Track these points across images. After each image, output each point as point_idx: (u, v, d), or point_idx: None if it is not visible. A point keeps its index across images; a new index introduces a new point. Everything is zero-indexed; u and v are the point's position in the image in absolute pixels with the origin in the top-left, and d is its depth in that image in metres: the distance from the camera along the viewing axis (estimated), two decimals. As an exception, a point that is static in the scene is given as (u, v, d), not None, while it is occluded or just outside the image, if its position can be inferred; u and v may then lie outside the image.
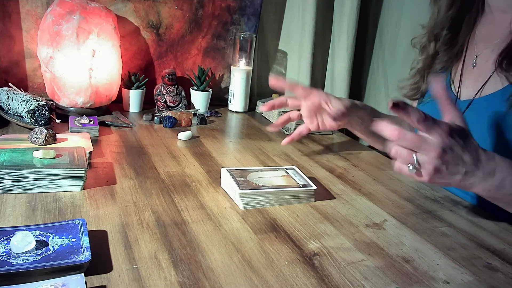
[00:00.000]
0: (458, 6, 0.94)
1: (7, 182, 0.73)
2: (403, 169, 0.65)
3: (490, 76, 0.87)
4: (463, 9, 0.95)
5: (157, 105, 1.32)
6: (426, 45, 1.00)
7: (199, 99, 1.38)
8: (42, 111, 1.05)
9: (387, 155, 1.12)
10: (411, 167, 0.64)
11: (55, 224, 0.63)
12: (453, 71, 0.98)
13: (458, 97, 0.93)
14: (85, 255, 0.56)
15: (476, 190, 0.68)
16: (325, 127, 0.98)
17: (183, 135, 1.10)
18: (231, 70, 1.42)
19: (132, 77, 1.30)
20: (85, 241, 0.59)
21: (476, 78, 0.91)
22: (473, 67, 0.92)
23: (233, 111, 1.43)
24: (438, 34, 0.97)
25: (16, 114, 1.08)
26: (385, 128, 0.62)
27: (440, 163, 0.63)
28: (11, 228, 0.61)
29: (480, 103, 0.88)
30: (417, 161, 0.63)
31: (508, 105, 0.81)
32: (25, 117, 1.05)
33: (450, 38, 0.97)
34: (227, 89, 1.49)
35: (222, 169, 0.85)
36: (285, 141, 0.98)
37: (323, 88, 1.63)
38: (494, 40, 0.89)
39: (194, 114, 1.30)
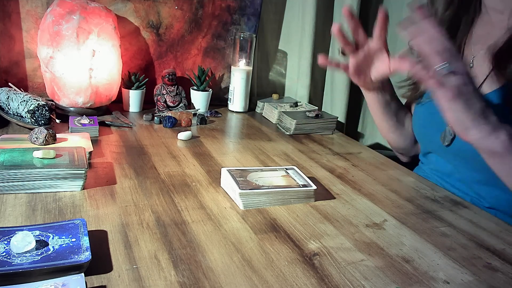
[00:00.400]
0: (455, 7, 0.95)
1: (7, 182, 0.73)
2: (427, 74, 0.68)
3: (487, 76, 0.88)
4: (460, 11, 0.95)
5: (157, 105, 1.32)
6: None
7: (199, 99, 1.38)
8: (42, 111, 1.05)
9: (387, 155, 1.13)
10: (445, 66, 0.67)
11: (55, 224, 0.63)
12: None
13: None
14: (85, 255, 0.56)
15: (489, 134, 0.70)
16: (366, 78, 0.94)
17: (183, 135, 1.10)
18: (231, 70, 1.42)
19: (132, 77, 1.30)
20: (85, 241, 0.59)
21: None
22: (471, 67, 0.92)
23: (233, 111, 1.43)
24: None
25: (16, 114, 1.08)
26: (428, 30, 0.67)
27: (467, 80, 0.68)
28: (11, 228, 0.61)
29: None
30: (448, 68, 0.67)
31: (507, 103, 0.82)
32: (25, 117, 1.05)
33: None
34: (227, 89, 1.49)
35: (222, 169, 0.85)
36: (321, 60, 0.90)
37: (323, 88, 1.63)
38: (491, 41, 0.89)
39: (194, 114, 1.30)
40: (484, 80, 0.88)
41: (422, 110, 1.01)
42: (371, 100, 1.03)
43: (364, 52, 0.90)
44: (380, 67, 0.91)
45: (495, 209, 0.89)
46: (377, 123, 1.11)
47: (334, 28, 0.85)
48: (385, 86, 1.01)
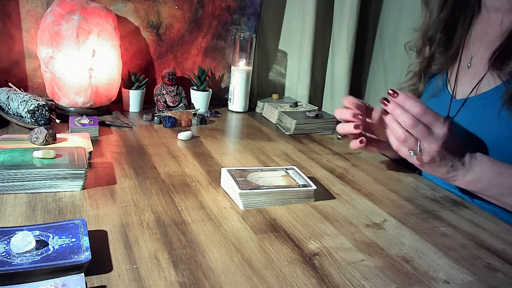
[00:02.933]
0: (450, 8, 0.95)
1: (7, 182, 0.73)
2: (401, 150, 0.76)
3: (484, 75, 0.88)
4: (455, 11, 0.96)
5: (157, 105, 1.32)
6: (421, 48, 1.01)
7: (199, 99, 1.38)
8: (42, 111, 1.05)
9: (387, 156, 1.12)
10: (412, 153, 0.75)
11: (55, 224, 0.63)
12: (449, 72, 0.99)
13: (454, 96, 0.94)
14: (85, 255, 0.56)
15: (458, 183, 0.80)
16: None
17: (183, 135, 1.10)
18: (231, 70, 1.42)
19: (132, 77, 1.30)
20: (85, 241, 0.59)
21: (471, 78, 0.92)
22: (468, 67, 0.93)
23: (233, 111, 1.43)
24: (433, 37, 0.98)
25: (16, 114, 1.08)
26: (401, 115, 0.72)
27: (437, 155, 0.74)
28: (10, 228, 0.61)
29: (475, 101, 0.89)
30: (420, 149, 0.74)
31: (502, 102, 0.82)
32: (25, 117, 1.05)
33: (445, 40, 0.98)
34: (227, 89, 1.49)
35: (222, 169, 0.85)
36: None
37: (323, 88, 1.63)
38: (489, 39, 0.90)
39: (194, 114, 1.30)
40: (482, 78, 0.89)
41: (428, 103, 1.01)
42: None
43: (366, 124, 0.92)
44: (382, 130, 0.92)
45: (495, 209, 0.89)
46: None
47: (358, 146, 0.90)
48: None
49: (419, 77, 1.03)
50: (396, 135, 0.74)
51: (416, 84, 1.03)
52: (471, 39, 0.95)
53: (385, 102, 0.74)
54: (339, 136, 0.92)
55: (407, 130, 0.73)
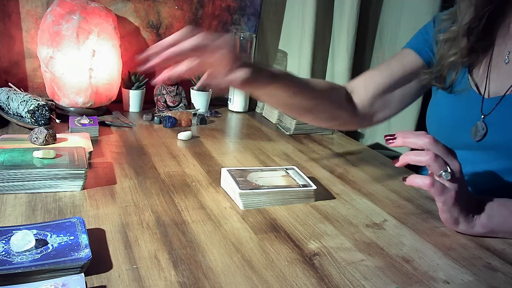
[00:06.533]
0: (495, 2, 0.88)
1: (7, 182, 0.73)
2: (436, 178, 0.70)
3: None
4: (499, 6, 0.88)
5: (157, 105, 1.32)
6: (458, 39, 0.92)
7: (199, 99, 1.38)
8: (42, 111, 1.05)
9: (387, 155, 1.12)
10: (444, 174, 0.69)
11: (52, 222, 0.63)
12: (475, 67, 0.93)
13: (487, 95, 0.89)
14: (85, 252, 0.56)
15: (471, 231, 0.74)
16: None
17: (183, 135, 1.10)
18: (231, 70, 1.41)
19: (132, 77, 1.30)
20: (84, 239, 0.59)
21: (508, 74, 0.87)
22: (506, 63, 0.89)
23: (233, 111, 1.43)
24: (471, 29, 0.89)
25: (16, 114, 1.08)
26: (415, 140, 0.69)
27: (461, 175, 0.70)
28: (8, 228, 0.61)
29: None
30: (450, 172, 0.69)
31: None
32: (25, 117, 1.05)
33: (480, 33, 0.90)
34: (227, 89, 1.49)
35: (222, 169, 0.85)
36: None
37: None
38: None
39: (194, 114, 1.30)
40: None
41: (449, 101, 0.95)
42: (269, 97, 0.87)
43: None
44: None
45: None
46: (290, 112, 0.99)
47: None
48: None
49: (448, 66, 0.93)
50: (423, 159, 0.69)
51: (442, 71, 0.94)
52: (508, 33, 0.89)
53: (391, 138, 0.72)
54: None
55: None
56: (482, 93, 0.90)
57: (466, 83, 0.92)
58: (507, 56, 0.88)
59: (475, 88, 0.91)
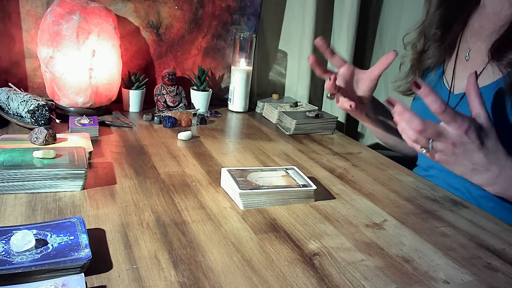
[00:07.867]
0: (447, 4, 0.96)
1: (7, 182, 0.73)
2: (416, 147, 0.76)
3: (484, 68, 0.88)
4: (453, 7, 0.96)
5: (157, 105, 1.32)
6: (415, 43, 1.02)
7: (199, 99, 1.38)
8: (42, 111, 1.05)
9: (387, 155, 1.13)
10: (424, 151, 0.74)
11: (51, 222, 0.63)
12: (445, 66, 0.99)
13: (452, 91, 0.94)
14: (85, 252, 0.56)
15: (474, 181, 0.78)
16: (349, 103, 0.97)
17: (183, 135, 1.10)
18: (231, 70, 1.42)
19: (132, 77, 1.30)
20: (84, 239, 0.59)
21: (469, 71, 0.91)
22: (467, 60, 0.93)
23: (233, 111, 1.43)
24: (428, 32, 1.00)
25: (16, 114, 1.08)
26: (410, 121, 0.71)
27: (450, 153, 0.73)
28: (8, 228, 0.61)
29: None
30: (432, 147, 0.73)
31: (509, 94, 0.82)
32: (25, 117, 1.05)
33: (440, 35, 0.99)
34: (227, 89, 1.49)
35: (222, 169, 0.85)
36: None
37: (323, 88, 1.62)
38: (486, 33, 0.90)
39: (194, 114, 1.30)
40: (480, 73, 0.88)
41: (417, 105, 1.02)
42: (374, 127, 1.09)
43: (344, 77, 0.97)
44: (363, 80, 0.97)
45: (495, 209, 0.88)
46: (386, 141, 1.15)
47: (310, 60, 0.93)
48: (377, 109, 1.05)
49: (414, 71, 1.04)
50: (407, 135, 0.74)
51: (412, 79, 1.03)
52: (468, 32, 0.96)
53: (391, 103, 0.74)
54: (328, 95, 0.97)
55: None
56: (450, 89, 0.96)
57: (438, 80, 0.99)
58: (468, 53, 0.92)
59: (446, 85, 0.97)
